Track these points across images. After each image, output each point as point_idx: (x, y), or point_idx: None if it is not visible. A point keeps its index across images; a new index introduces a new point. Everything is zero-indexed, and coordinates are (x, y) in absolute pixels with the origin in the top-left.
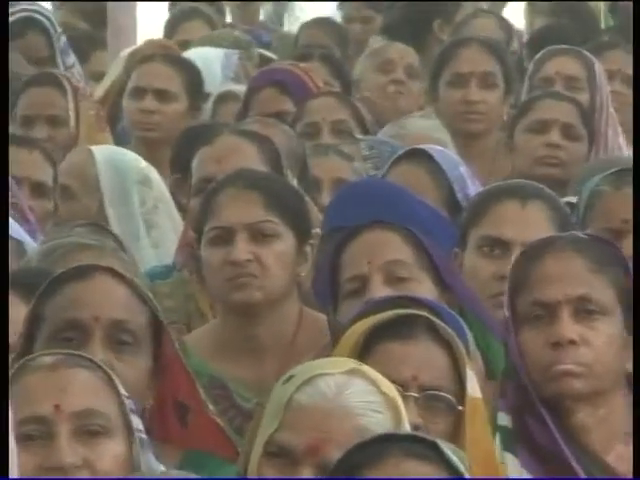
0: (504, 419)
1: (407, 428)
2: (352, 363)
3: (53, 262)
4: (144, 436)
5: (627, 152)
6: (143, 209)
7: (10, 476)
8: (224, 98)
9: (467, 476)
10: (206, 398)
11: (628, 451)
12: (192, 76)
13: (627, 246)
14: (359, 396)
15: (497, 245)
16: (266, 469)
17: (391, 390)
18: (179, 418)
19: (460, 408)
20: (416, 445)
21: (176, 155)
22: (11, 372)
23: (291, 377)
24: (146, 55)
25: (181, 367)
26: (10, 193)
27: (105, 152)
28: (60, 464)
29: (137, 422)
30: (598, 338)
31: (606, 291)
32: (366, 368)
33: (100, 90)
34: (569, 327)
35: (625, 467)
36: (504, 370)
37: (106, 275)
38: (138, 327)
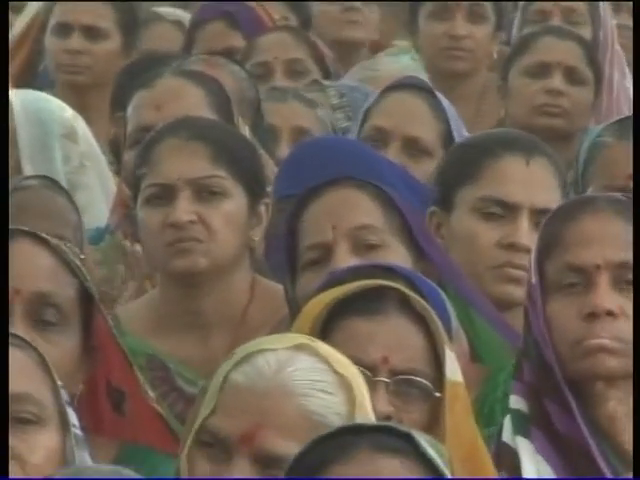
0: (518, 402)
1: (367, 413)
2: (302, 338)
3: None
4: (79, 432)
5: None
6: (67, 167)
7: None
8: (148, 22)
9: (446, 471)
10: (144, 383)
11: None
12: (125, 9)
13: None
14: (303, 374)
15: (501, 208)
16: (197, 460)
17: (346, 369)
18: (114, 405)
19: (438, 394)
20: (388, 437)
21: (117, 91)
22: None
23: (233, 354)
24: None
25: (115, 347)
26: None
27: (24, 98)
28: None
29: (72, 416)
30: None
31: None
32: (318, 344)
33: (19, 25)
34: (607, 296)
35: None
36: (521, 348)
37: (28, 240)
38: (65, 301)
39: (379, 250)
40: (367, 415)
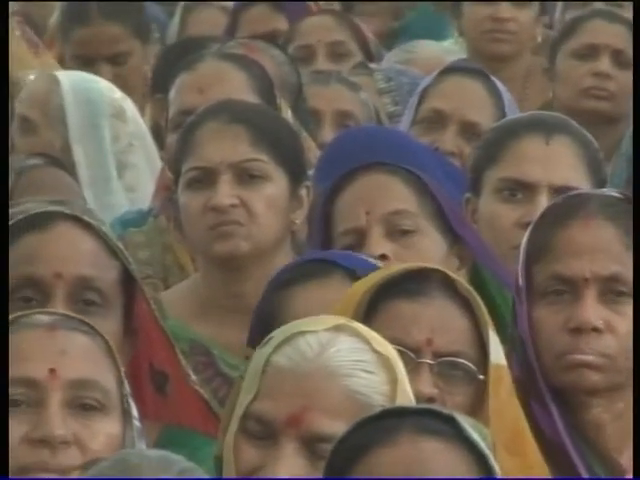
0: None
1: (406, 393)
2: (340, 319)
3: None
4: (139, 424)
5: None
6: (116, 147)
7: None
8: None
9: (490, 455)
10: (187, 365)
11: None
12: None
13: None
14: (345, 354)
15: (520, 188)
16: (242, 446)
17: (386, 348)
18: (156, 388)
19: (481, 377)
20: (431, 420)
21: (157, 73)
22: None
23: (270, 338)
24: None
25: (157, 330)
26: None
27: (73, 79)
28: (49, 436)
29: (133, 407)
30: (624, 324)
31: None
32: (356, 324)
33: None
34: (593, 311)
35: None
36: (510, 340)
37: (69, 224)
38: (107, 284)
39: (413, 235)
40: (407, 394)
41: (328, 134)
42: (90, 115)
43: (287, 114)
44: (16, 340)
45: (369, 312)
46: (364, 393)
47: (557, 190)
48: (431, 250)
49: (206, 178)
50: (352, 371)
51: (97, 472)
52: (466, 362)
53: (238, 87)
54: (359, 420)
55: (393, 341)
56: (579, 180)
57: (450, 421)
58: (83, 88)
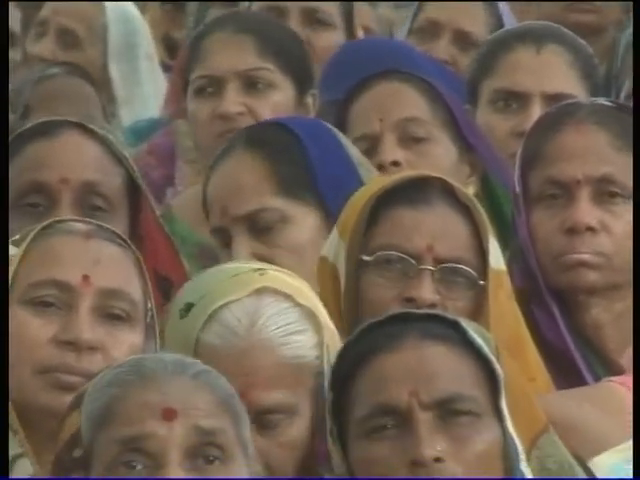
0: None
1: (332, 330)
2: (256, 281)
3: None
4: (158, 341)
5: None
6: (150, 64)
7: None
8: None
9: (492, 358)
10: (191, 270)
11: None
12: None
13: None
14: (275, 322)
15: (513, 98)
16: None
17: (305, 297)
18: (162, 293)
19: (482, 282)
20: (435, 325)
21: None
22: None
23: (190, 306)
24: None
25: (162, 236)
26: None
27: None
28: (77, 339)
29: (156, 323)
30: (619, 225)
31: (630, 171)
32: (271, 277)
33: None
34: (587, 211)
35: None
36: (510, 251)
37: (75, 131)
38: (112, 190)
39: (425, 143)
40: (333, 332)
41: None
42: (127, 34)
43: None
44: (52, 244)
45: (371, 219)
46: (300, 355)
47: (550, 98)
48: (442, 158)
49: (214, 86)
50: (284, 339)
51: (113, 375)
52: (466, 268)
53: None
54: (364, 325)
55: (394, 248)
56: (572, 87)
57: (454, 326)
58: (122, 9)
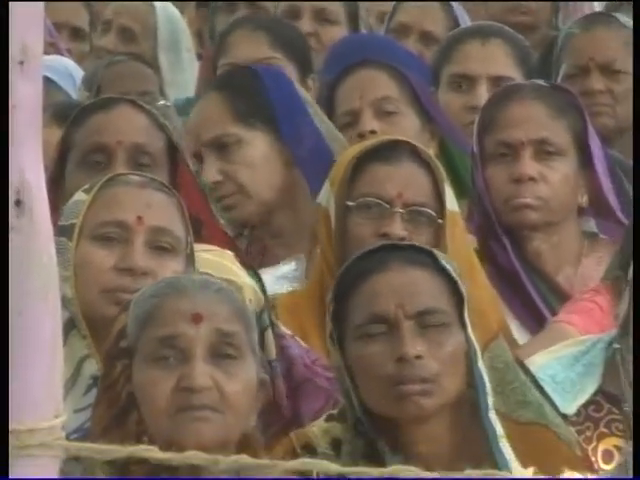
0: (473, 241)
1: (249, 291)
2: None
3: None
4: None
5: None
6: (188, 55)
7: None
8: None
9: (459, 280)
10: (217, 213)
11: (575, 272)
12: None
13: (594, 81)
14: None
15: (464, 80)
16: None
17: (224, 271)
18: (194, 231)
19: (440, 221)
20: (414, 253)
21: None
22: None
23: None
24: None
25: (194, 185)
26: (49, 36)
27: (162, 3)
28: (133, 266)
29: (194, 254)
30: (555, 176)
31: (563, 134)
32: (198, 264)
33: None
34: (530, 166)
35: (569, 286)
36: (471, 197)
37: (128, 105)
38: (156, 150)
39: (395, 116)
40: (249, 285)
41: None
42: (173, 31)
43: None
44: (114, 192)
45: (354, 174)
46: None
47: (494, 80)
48: (409, 127)
49: None
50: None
51: (154, 289)
52: (429, 210)
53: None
54: (359, 253)
55: (372, 195)
56: (511, 71)
57: (429, 254)
58: (168, 10)
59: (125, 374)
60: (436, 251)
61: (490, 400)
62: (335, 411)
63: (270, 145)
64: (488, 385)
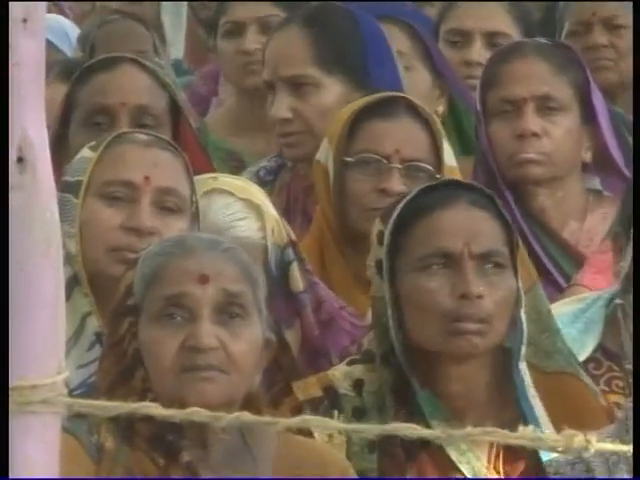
0: None
1: (273, 221)
2: (210, 181)
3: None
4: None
5: None
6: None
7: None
8: None
9: (513, 227)
10: (218, 171)
11: (580, 228)
12: None
13: (597, 36)
14: (222, 211)
15: (460, 35)
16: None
17: (248, 193)
18: None
19: (438, 176)
20: (477, 195)
21: None
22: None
23: None
24: None
25: (196, 144)
26: None
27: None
28: (140, 226)
29: (199, 213)
30: (557, 131)
31: (565, 90)
32: (222, 182)
33: None
34: (533, 121)
35: (575, 241)
36: (475, 154)
37: (130, 64)
38: (159, 110)
39: (407, 70)
40: (276, 218)
41: None
42: (176, 19)
43: None
44: (120, 150)
45: (352, 130)
46: (245, 236)
47: (489, 35)
48: (420, 83)
49: (237, 30)
50: (230, 223)
51: (160, 247)
52: (426, 165)
53: None
54: (422, 187)
55: (370, 151)
56: (507, 27)
57: (490, 198)
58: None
59: (131, 331)
60: (495, 196)
61: (523, 349)
62: (358, 356)
63: (346, 95)
64: (526, 334)
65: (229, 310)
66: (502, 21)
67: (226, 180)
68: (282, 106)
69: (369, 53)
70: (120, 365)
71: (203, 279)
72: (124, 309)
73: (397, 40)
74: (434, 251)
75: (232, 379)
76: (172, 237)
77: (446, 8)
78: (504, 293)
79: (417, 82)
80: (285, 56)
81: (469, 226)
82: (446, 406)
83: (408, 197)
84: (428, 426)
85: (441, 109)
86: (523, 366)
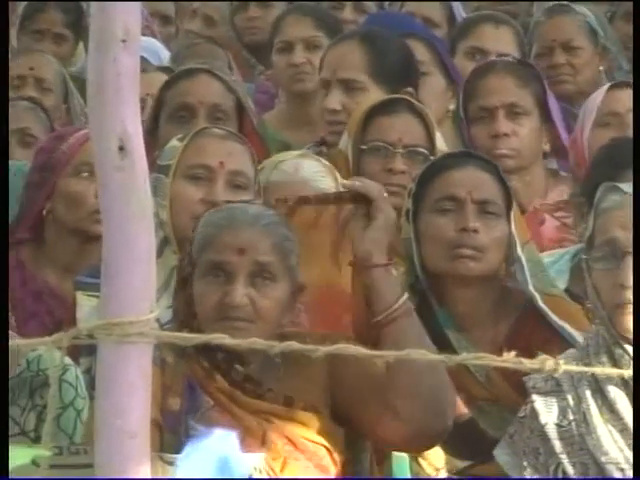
0: None
1: (337, 181)
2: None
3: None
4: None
5: None
6: None
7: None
8: None
9: (511, 186)
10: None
11: (543, 201)
12: None
13: (557, 57)
14: (310, 169)
15: (478, 52)
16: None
17: (324, 162)
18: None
19: (432, 158)
20: (485, 163)
21: None
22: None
23: (262, 169)
24: None
25: (257, 137)
26: (145, 20)
27: None
28: (216, 200)
29: (261, 190)
30: (523, 131)
31: (528, 99)
32: (309, 154)
33: None
34: (504, 124)
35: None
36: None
37: (206, 74)
38: (228, 108)
39: (427, 76)
40: (337, 181)
41: None
42: None
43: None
44: (202, 141)
45: (365, 125)
46: (325, 189)
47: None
48: (436, 86)
49: (288, 48)
50: (315, 178)
51: (214, 219)
52: (423, 150)
53: None
54: (442, 154)
55: (379, 140)
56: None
57: (494, 166)
58: None
59: (190, 281)
60: (498, 167)
61: (528, 276)
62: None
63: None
64: (526, 265)
65: (260, 275)
66: (510, 44)
67: (311, 154)
68: (334, 99)
69: (405, 69)
70: (184, 305)
71: (240, 251)
72: (187, 262)
73: (419, 51)
74: (445, 195)
75: (258, 326)
76: (225, 208)
77: (464, 28)
78: (498, 234)
79: (433, 85)
80: (344, 62)
81: (474, 180)
82: (457, 321)
83: (433, 160)
84: (445, 336)
85: (452, 107)
86: (532, 288)
